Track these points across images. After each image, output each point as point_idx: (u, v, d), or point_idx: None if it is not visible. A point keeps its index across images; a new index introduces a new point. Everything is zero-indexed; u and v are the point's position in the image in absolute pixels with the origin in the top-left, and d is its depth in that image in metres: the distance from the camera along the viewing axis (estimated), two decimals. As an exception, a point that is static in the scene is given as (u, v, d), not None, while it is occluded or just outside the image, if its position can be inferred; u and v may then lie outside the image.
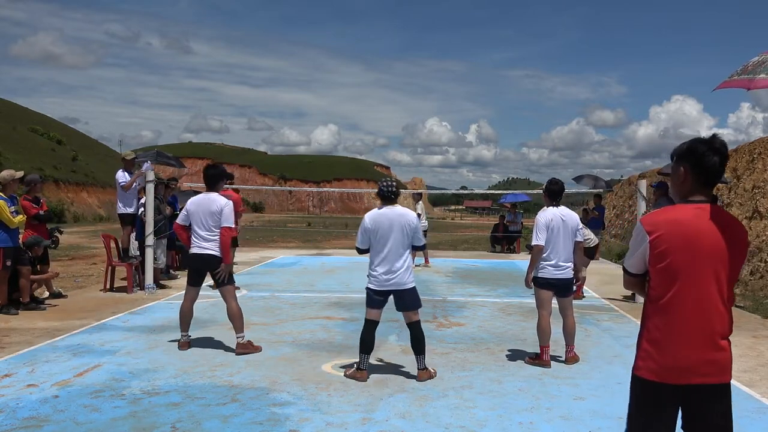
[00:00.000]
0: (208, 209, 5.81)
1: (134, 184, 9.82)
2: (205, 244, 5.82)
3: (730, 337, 2.41)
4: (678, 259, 2.37)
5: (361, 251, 5.23)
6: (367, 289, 5.17)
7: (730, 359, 2.41)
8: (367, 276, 5.18)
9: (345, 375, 5.21)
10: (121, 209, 9.90)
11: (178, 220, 6.07)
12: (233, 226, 5.93)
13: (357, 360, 5.20)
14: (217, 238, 5.83)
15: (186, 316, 6.03)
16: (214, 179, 6.01)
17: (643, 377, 2.43)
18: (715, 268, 2.36)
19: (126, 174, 9.87)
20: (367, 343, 5.14)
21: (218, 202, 5.85)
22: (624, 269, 2.61)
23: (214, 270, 5.84)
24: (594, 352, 6.10)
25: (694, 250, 2.36)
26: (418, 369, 5.18)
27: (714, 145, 2.43)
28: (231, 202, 5.99)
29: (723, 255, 2.36)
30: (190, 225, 5.99)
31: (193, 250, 5.88)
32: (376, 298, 5.12)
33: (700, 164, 2.43)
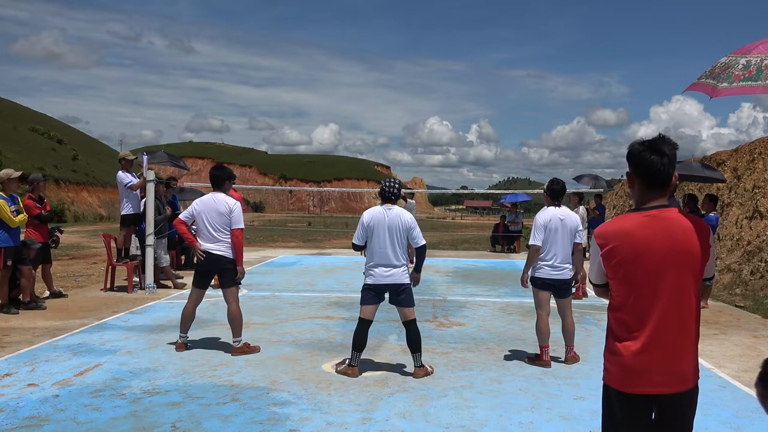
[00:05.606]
0: (216, 210, 5.79)
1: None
2: (212, 245, 5.79)
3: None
4: (631, 271, 2.29)
5: (356, 247, 5.31)
6: (363, 285, 5.26)
7: (695, 368, 2.33)
8: (364, 273, 5.27)
9: (336, 371, 5.29)
10: (126, 210, 9.62)
11: (181, 216, 6.06)
12: (243, 227, 5.93)
13: (349, 357, 5.30)
14: (225, 239, 5.80)
15: (187, 318, 6.01)
16: (221, 180, 5.99)
17: (609, 385, 2.38)
18: (669, 276, 2.26)
19: (128, 174, 9.64)
20: (359, 341, 5.23)
21: (227, 202, 5.83)
22: (589, 280, 2.57)
23: (222, 270, 5.83)
24: (594, 352, 6.10)
25: (645, 260, 2.26)
26: (415, 367, 5.26)
27: (652, 144, 2.30)
28: (239, 203, 5.99)
29: (675, 262, 2.26)
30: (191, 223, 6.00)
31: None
32: (371, 294, 5.21)
33: (639, 165, 2.31)
